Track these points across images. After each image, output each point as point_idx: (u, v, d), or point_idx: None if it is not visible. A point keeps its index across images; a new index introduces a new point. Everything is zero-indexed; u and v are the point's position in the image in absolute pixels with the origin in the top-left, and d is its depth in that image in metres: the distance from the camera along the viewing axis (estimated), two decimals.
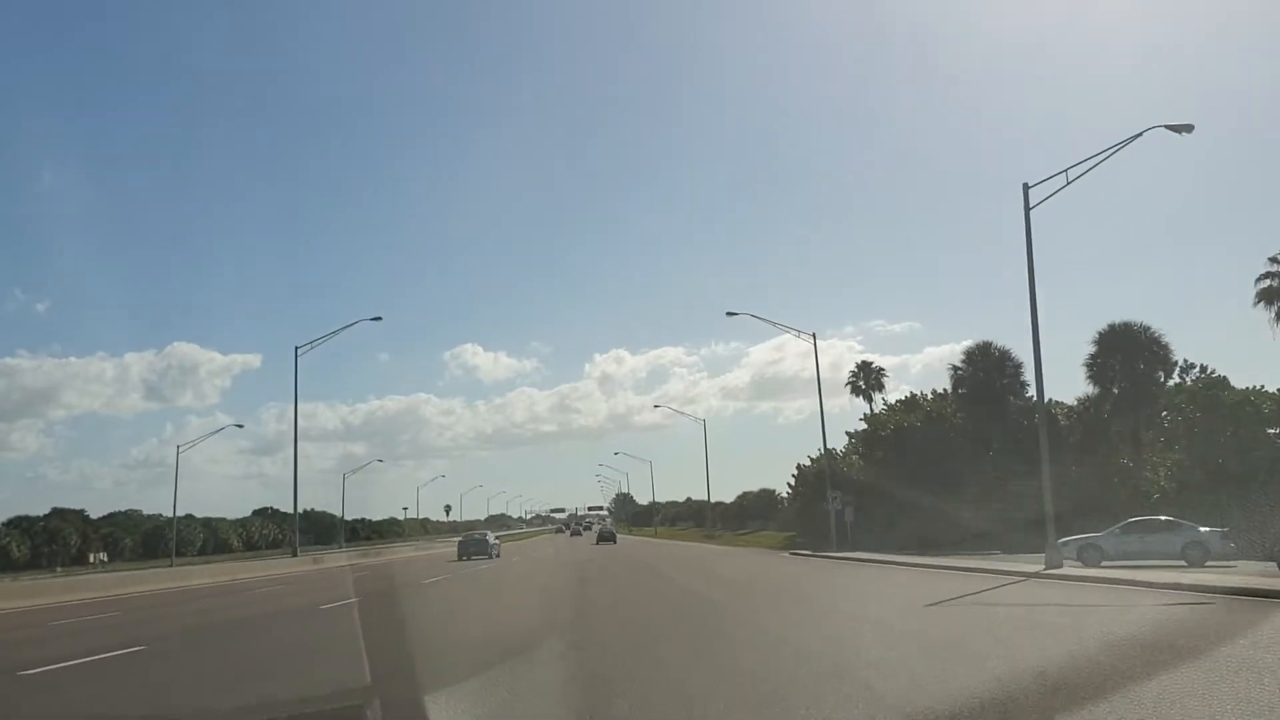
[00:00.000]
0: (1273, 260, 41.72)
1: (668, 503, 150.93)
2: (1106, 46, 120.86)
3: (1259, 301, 42.05)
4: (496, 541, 58.67)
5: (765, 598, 19.92)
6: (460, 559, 50.87)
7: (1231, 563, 24.30)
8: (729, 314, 53.17)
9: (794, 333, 52.66)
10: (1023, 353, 47.75)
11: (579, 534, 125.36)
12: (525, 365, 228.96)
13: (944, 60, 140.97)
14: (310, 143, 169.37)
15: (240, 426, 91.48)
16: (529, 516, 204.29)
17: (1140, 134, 24.29)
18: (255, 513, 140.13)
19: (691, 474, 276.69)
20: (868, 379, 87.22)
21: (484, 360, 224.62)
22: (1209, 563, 24.83)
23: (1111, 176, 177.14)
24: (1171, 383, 45.75)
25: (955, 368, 48.46)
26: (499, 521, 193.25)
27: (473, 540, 55.36)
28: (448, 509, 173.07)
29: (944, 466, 45.07)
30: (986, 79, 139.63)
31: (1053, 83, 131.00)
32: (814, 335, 52.51)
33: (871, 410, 64.32)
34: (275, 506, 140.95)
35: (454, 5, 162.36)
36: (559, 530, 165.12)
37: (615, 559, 44.33)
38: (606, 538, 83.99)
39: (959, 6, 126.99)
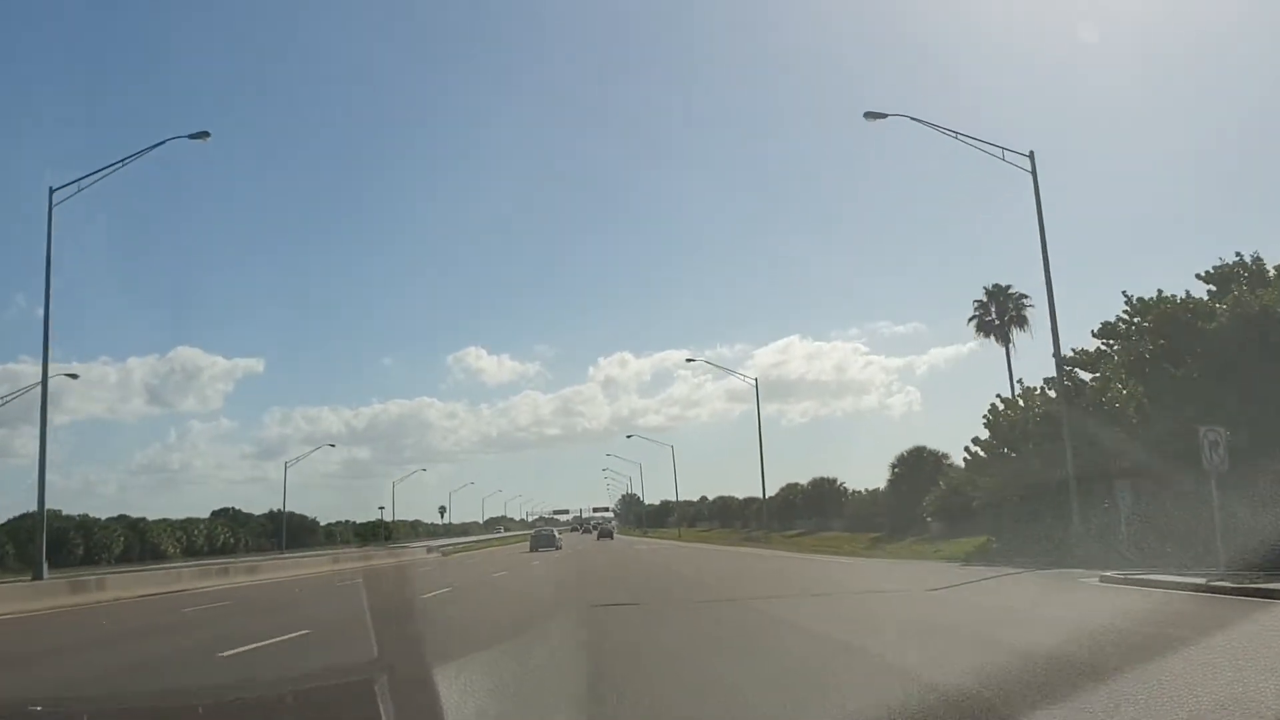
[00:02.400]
0: None
1: (682, 502, 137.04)
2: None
3: None
4: (560, 536, 73.08)
5: None
6: (532, 551, 59.23)
7: None
8: (868, 115, 28.13)
9: (970, 141, 27.71)
10: None
11: (589, 532, 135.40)
12: (529, 369, 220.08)
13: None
14: (309, 144, 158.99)
15: (75, 377, 66.67)
16: (531, 519, 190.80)
17: None
18: (215, 514, 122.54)
19: (698, 476, 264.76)
20: (1001, 310, 60.91)
21: (488, 364, 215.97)
22: None
23: None
24: None
25: None
26: (498, 524, 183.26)
27: (542, 536, 67.76)
28: (442, 510, 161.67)
29: None
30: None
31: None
32: (1032, 156, 27.54)
33: (1010, 353, 39.81)
34: (238, 508, 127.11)
35: (457, 1, 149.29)
36: (572, 530, 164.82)
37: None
38: (605, 535, 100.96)
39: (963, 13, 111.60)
